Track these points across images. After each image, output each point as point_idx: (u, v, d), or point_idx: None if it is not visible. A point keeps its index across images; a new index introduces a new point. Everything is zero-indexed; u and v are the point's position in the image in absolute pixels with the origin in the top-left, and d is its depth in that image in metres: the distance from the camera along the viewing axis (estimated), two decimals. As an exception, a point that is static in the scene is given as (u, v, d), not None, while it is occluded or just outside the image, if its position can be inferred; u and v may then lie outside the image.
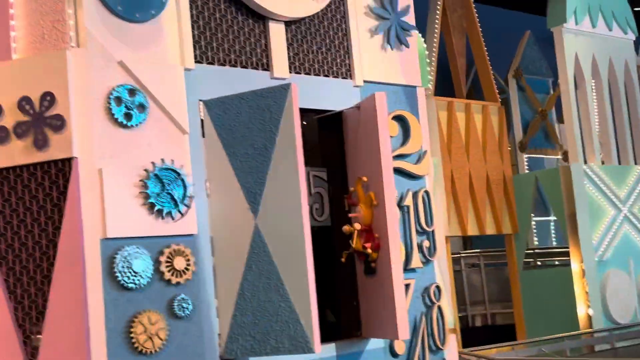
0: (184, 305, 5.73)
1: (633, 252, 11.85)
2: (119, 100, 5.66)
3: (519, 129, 14.27)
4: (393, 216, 6.64)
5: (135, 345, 5.50)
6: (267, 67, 6.54)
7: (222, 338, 5.93)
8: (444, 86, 12.79)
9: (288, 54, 6.66)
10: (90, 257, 5.47)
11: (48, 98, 5.54)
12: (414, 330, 7.07)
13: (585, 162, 11.85)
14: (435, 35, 12.04)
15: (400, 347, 6.96)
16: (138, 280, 5.58)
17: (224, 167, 5.92)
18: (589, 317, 11.29)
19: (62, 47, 5.59)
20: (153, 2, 5.92)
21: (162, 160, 5.77)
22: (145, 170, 5.70)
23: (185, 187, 5.83)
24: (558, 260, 13.26)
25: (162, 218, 5.74)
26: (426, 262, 7.29)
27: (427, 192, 7.30)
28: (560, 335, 10.47)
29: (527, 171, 13.76)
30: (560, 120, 13.42)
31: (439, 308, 7.25)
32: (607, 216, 11.67)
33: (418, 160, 7.36)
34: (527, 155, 14.33)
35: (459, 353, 7.69)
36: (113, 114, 5.63)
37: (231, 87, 6.21)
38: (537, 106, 14.05)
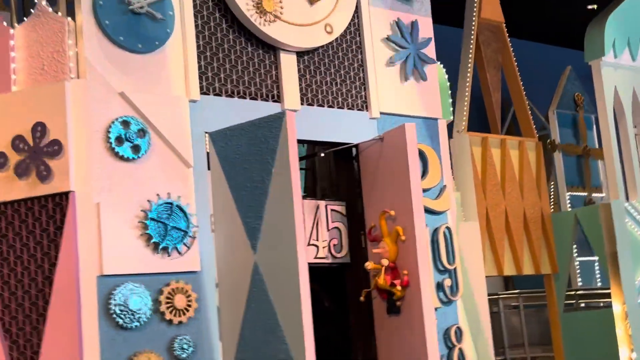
0: (185, 345, 5.49)
1: (678, 294, 11.31)
2: (118, 132, 5.48)
3: (561, 166, 13.83)
4: (424, 252, 6.38)
5: (133, 387, 5.27)
6: (277, 98, 6.33)
7: (225, 380, 5.66)
8: (479, 122, 12.46)
9: (300, 85, 6.45)
10: (86, 294, 5.28)
11: (45, 131, 5.40)
12: (433, 374, 6.70)
13: (627, 199, 11.39)
14: (469, 69, 11.74)
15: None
16: (135, 319, 5.35)
17: (227, 201, 5.71)
18: (633, 362, 10.77)
19: (62, 79, 5.45)
20: (157, 33, 5.77)
21: (165, 194, 5.57)
22: (146, 204, 5.50)
23: (187, 222, 5.61)
24: (602, 301, 12.74)
25: (163, 254, 5.53)
26: (447, 302, 6.93)
27: (448, 229, 6.99)
28: (603, 380, 9.98)
29: (569, 209, 13.30)
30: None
31: (461, 351, 6.88)
32: (650, 255, 11.18)
33: (438, 195, 7.06)
34: (569, 193, 13.87)
35: None
36: (112, 147, 5.47)
37: (240, 119, 6.01)
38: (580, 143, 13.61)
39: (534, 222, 11.77)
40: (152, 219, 5.50)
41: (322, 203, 6.68)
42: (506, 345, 13.04)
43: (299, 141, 6.53)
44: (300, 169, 7.78)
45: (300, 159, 7.36)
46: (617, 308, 10.94)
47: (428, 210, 6.96)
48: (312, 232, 6.57)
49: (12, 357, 5.35)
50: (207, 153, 5.90)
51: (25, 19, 5.65)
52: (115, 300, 5.29)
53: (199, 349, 5.53)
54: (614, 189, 11.21)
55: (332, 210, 6.76)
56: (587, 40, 11.56)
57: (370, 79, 6.84)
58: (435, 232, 6.97)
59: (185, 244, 5.57)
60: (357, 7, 6.89)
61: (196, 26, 6.01)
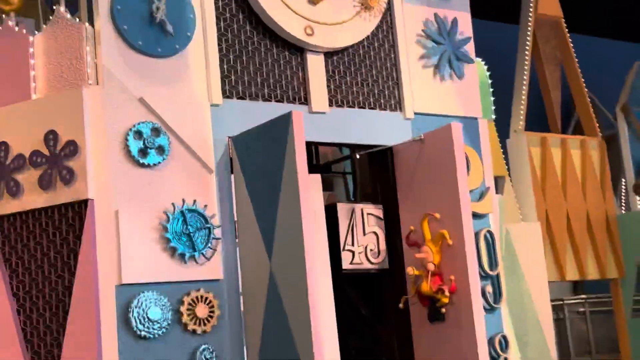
0: (207, 356, 5.35)
1: None
2: (137, 138, 5.40)
3: (630, 168, 13.27)
4: (473, 256, 6.13)
5: (155, 398, 5.16)
6: (305, 100, 6.15)
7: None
8: (538, 121, 12.07)
9: (329, 86, 6.26)
10: (105, 304, 5.19)
11: (64, 138, 5.34)
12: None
13: (697, 200, 10.86)
14: (526, 67, 11.37)
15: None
16: (156, 329, 5.23)
17: (247, 207, 5.55)
18: (703, 369, 10.23)
19: (80, 85, 5.37)
20: (177, 36, 5.66)
21: (184, 201, 5.45)
22: (166, 211, 5.39)
23: (209, 229, 5.47)
24: (674, 306, 12.16)
25: (184, 262, 5.40)
26: (490, 309, 6.62)
27: (490, 232, 6.69)
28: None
29: (640, 209, 12.74)
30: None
31: (506, 361, 6.58)
32: None
33: (480, 198, 6.77)
34: (640, 197, 13.31)
35: None
36: (131, 154, 5.36)
37: (262, 122, 5.83)
38: (649, 143, 13.04)
39: (598, 224, 11.29)
40: (172, 226, 5.38)
41: (357, 207, 6.47)
42: (572, 352, 12.58)
43: (329, 144, 6.37)
44: (342, 172, 7.58)
45: (335, 161, 7.17)
46: (687, 313, 10.44)
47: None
48: (347, 237, 6.36)
49: (33, 368, 5.28)
50: (230, 158, 5.73)
51: (44, 25, 5.58)
52: (134, 309, 5.18)
53: (223, 359, 5.37)
54: (683, 190, 10.71)
55: (368, 214, 6.54)
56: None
57: (404, 78, 6.61)
58: (476, 236, 6.67)
59: (206, 252, 5.43)
60: (389, 4, 6.65)
61: (218, 29, 5.88)
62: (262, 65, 6.05)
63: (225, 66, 5.88)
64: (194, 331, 5.34)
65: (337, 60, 6.36)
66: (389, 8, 6.68)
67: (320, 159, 7.44)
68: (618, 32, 15.48)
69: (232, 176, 5.71)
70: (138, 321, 5.19)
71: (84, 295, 5.18)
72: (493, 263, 6.71)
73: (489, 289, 6.70)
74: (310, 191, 5.18)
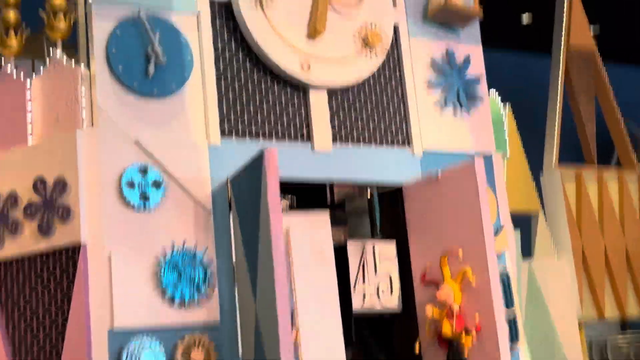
0: (203, 403, 5.20)
1: None
2: (131, 181, 5.33)
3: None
4: (499, 296, 5.95)
5: None
6: (307, 138, 6.04)
7: None
8: (574, 155, 11.77)
9: (333, 123, 6.14)
10: (97, 350, 5.08)
11: (57, 182, 5.30)
12: None
13: None
14: (558, 100, 11.13)
15: None
16: (148, 376, 5.11)
17: (240, 248, 5.42)
18: None
19: (75, 128, 5.33)
20: (174, 77, 5.61)
21: (181, 243, 5.35)
22: (160, 254, 5.29)
23: (205, 272, 5.36)
24: None
25: (178, 306, 5.28)
26: (505, 351, 6.35)
27: (504, 269, 6.44)
28: None
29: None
30: None
31: (523, 407, 6.30)
32: None
33: (494, 235, 6.52)
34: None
35: None
36: (124, 196, 5.29)
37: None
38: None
39: (639, 259, 10.92)
40: (167, 269, 5.29)
41: (368, 244, 6.28)
42: (618, 395, 12.12)
43: (334, 182, 6.23)
44: (356, 211, 7.41)
45: (344, 199, 7.02)
46: None
47: (482, 252, 6.46)
48: (357, 276, 6.18)
49: (28, 417, 5.20)
50: (229, 199, 5.64)
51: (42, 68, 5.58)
52: (126, 356, 5.07)
53: (220, 407, 5.23)
54: None
55: (380, 252, 6.34)
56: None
57: (412, 114, 6.46)
58: (490, 275, 6.44)
59: (202, 295, 5.31)
60: (395, 39, 6.53)
61: (217, 68, 5.81)
62: (263, 104, 5.96)
63: (224, 106, 5.80)
64: (190, 378, 5.20)
65: (340, 97, 6.24)
66: (396, 42, 6.55)
67: (341, 196, 7.27)
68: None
69: (231, 217, 5.59)
70: (130, 368, 5.08)
71: (77, 341, 5.11)
72: (509, 302, 6.45)
73: (504, 329, 6.42)
74: (281, 229, 5.01)
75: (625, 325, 14.40)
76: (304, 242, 5.91)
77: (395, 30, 6.56)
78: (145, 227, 5.33)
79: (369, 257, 6.29)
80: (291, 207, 6.16)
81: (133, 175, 5.36)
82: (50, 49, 5.63)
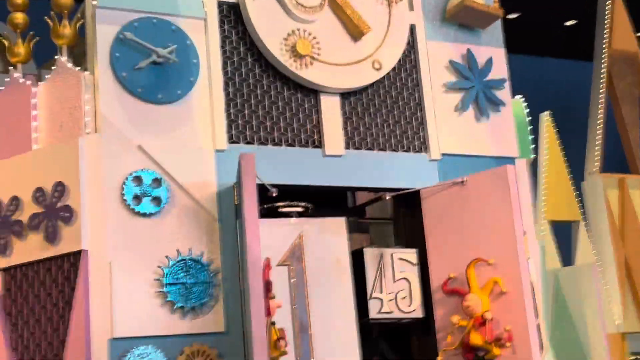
0: (206, 414, 5.08)
1: None
2: (134, 187, 5.25)
3: None
4: (531, 305, 5.80)
5: None
6: (319, 144, 5.90)
7: None
8: (617, 162, 11.41)
9: (345, 128, 5.98)
10: (97, 359, 4.97)
11: (59, 189, 5.25)
12: None
13: None
14: (601, 105, 10.80)
15: None
16: (149, 385, 5.01)
17: (243, 254, 5.30)
18: None
19: (78, 135, 5.27)
20: (179, 82, 5.53)
21: (185, 250, 5.25)
22: (164, 261, 5.20)
23: (210, 279, 5.25)
24: None
25: (182, 315, 5.18)
26: (528, 362, 6.10)
27: (528, 279, 6.20)
28: None
29: None
30: None
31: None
32: None
33: (517, 244, 6.29)
34: None
35: None
36: (127, 203, 5.21)
37: (273, 168, 5.63)
38: None
39: (684, 269, 10.50)
40: (170, 277, 5.18)
41: (387, 251, 6.11)
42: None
43: (345, 188, 6.08)
44: (382, 219, 7.21)
45: (362, 205, 6.85)
46: None
47: (503, 260, 6.24)
48: (374, 284, 6.00)
49: None
50: (235, 205, 5.52)
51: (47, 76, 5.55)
52: (126, 365, 4.98)
53: (224, 418, 5.10)
54: None
55: (399, 259, 6.16)
56: None
57: (429, 118, 6.28)
58: (512, 285, 6.21)
59: (206, 303, 5.19)
60: (413, 42, 6.37)
61: (225, 73, 5.72)
62: (272, 109, 5.84)
63: (232, 111, 5.70)
64: (191, 388, 5.09)
65: (354, 101, 6.09)
66: (413, 45, 6.38)
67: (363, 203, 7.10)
68: None
69: (237, 223, 5.47)
70: (130, 377, 4.98)
71: (77, 350, 5.03)
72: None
73: (527, 341, 6.17)
74: (256, 235, 4.87)
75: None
76: (318, 249, 5.77)
77: (412, 32, 6.39)
78: (148, 233, 5.25)
79: (386, 264, 6.09)
80: (307, 214, 5.99)
81: (136, 181, 5.28)
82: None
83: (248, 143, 5.70)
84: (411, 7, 6.42)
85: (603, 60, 10.96)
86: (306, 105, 5.96)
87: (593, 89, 10.96)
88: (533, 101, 11.05)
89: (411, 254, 6.20)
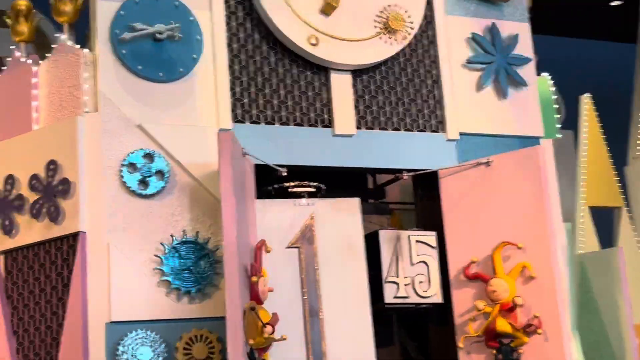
0: (205, 400, 4.92)
1: None
2: (133, 167, 5.12)
3: None
4: (563, 292, 5.65)
5: None
6: (329, 123, 5.69)
7: None
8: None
9: (357, 106, 5.77)
10: (94, 343, 4.88)
11: (56, 169, 5.14)
12: None
13: None
14: (647, 84, 10.40)
15: None
16: (146, 370, 4.87)
17: (245, 236, 5.13)
18: None
19: (77, 114, 5.15)
20: (182, 60, 5.37)
21: (184, 232, 5.09)
22: (163, 243, 5.04)
23: (211, 262, 5.08)
24: None
25: (181, 299, 5.03)
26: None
27: (550, 264, 5.91)
28: None
29: None
30: None
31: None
32: None
33: (539, 226, 6.02)
34: None
35: None
36: (126, 183, 5.07)
37: (279, 148, 5.45)
38: None
39: None
40: (170, 259, 5.03)
41: (403, 234, 5.86)
42: None
43: (357, 169, 5.86)
44: (404, 203, 6.97)
45: (380, 186, 6.62)
46: None
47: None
48: (390, 267, 5.77)
49: (28, 410, 5.04)
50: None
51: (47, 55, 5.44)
52: (122, 349, 4.84)
53: (224, 405, 4.94)
54: None
55: (417, 241, 5.91)
56: None
57: (446, 96, 6.02)
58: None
59: (207, 286, 5.03)
60: (431, 16, 6.11)
61: (230, 50, 5.54)
62: (280, 87, 5.64)
63: (237, 89, 5.52)
64: (190, 373, 4.93)
65: (367, 79, 5.86)
66: (430, 22, 6.12)
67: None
68: None
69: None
70: (127, 362, 4.84)
71: (74, 334, 4.92)
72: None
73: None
74: (231, 216, 4.71)
75: None
76: (330, 230, 5.56)
77: (430, 5, 6.13)
78: (148, 215, 5.11)
79: (403, 247, 5.84)
80: (319, 195, 5.77)
81: (135, 161, 5.15)
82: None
83: (254, 122, 5.52)
84: (429, -19, 6.17)
85: (647, 42, 10.55)
86: (316, 84, 5.75)
87: (636, 71, 10.56)
88: (575, 83, 10.69)
89: (430, 237, 5.94)
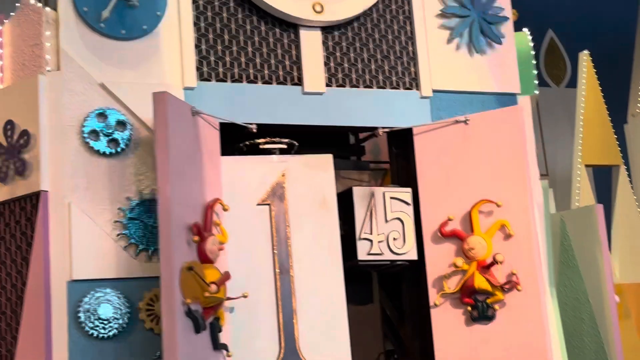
0: (169, 358, 4.90)
1: None
2: (94, 126, 5.09)
3: None
4: (539, 249, 5.68)
5: (109, 406, 4.81)
6: (298, 81, 5.61)
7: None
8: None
9: (328, 64, 5.68)
10: (56, 302, 4.89)
11: (16, 128, 5.11)
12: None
13: None
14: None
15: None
16: (108, 328, 4.87)
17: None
18: None
19: (40, 73, 5.11)
20: (145, 17, 5.30)
21: (146, 191, 5.06)
22: (125, 202, 5.03)
23: (174, 221, 5.05)
24: None
25: (144, 257, 5.02)
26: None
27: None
28: None
29: None
30: None
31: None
32: None
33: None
34: None
35: None
36: (87, 142, 5.05)
37: (247, 106, 5.41)
38: None
39: None
40: (132, 219, 5.02)
41: (378, 190, 5.80)
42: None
43: (327, 127, 5.79)
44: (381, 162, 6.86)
45: (357, 143, 6.55)
46: None
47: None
48: (363, 224, 5.72)
49: (-8, 371, 5.08)
50: (204, 145, 5.30)
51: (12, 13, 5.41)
52: (83, 307, 4.85)
53: (187, 362, 4.93)
54: None
55: (392, 198, 5.85)
56: None
57: (420, 52, 5.92)
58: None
59: (169, 246, 5.00)
60: (403, -32, 6.00)
61: (196, 6, 5.47)
62: (248, 45, 5.57)
63: (203, 47, 5.46)
64: (152, 331, 4.93)
65: (338, 36, 5.77)
66: (405, -26, 6.01)
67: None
68: None
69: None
70: (87, 320, 4.86)
71: (37, 292, 4.93)
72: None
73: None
74: (166, 178, 4.71)
75: None
76: (302, 187, 5.52)
77: (403, -42, 6.01)
78: (110, 174, 5.09)
79: (378, 203, 5.79)
80: (293, 152, 5.72)
81: (97, 119, 5.11)
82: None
83: (220, 80, 5.46)
84: None
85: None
86: (285, 41, 5.67)
87: (638, 26, 10.37)
88: (573, 38, 10.51)
89: (405, 194, 5.87)
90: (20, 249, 5.10)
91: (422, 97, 5.92)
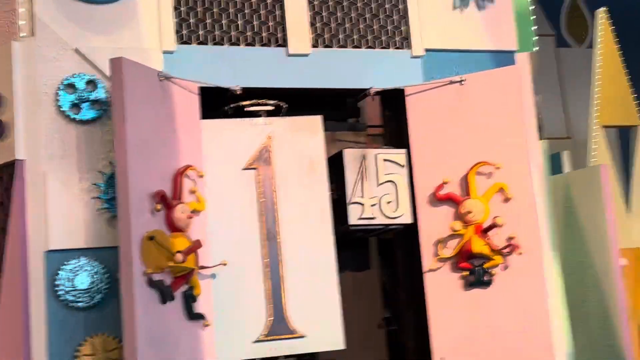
0: (148, 328, 4.82)
1: None
2: (69, 92, 4.97)
3: None
4: (539, 211, 5.52)
5: (84, 376, 4.73)
6: (283, 42, 5.44)
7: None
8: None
9: (314, 24, 5.50)
10: (34, 272, 4.82)
11: (-12, 95, 5.00)
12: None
13: None
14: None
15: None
16: (85, 298, 4.80)
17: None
18: None
19: (13, 40, 5.01)
20: (122, -20, 5.14)
21: (123, 158, 4.94)
22: (102, 170, 4.92)
23: (152, 189, 4.94)
24: None
25: (120, 226, 4.90)
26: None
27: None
28: None
29: None
30: None
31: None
32: None
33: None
34: None
35: None
36: (62, 109, 4.94)
37: (229, 69, 5.26)
38: None
39: None
40: (109, 187, 4.90)
41: (370, 152, 5.62)
42: None
43: (313, 89, 5.62)
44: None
45: (350, 104, 6.39)
46: None
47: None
48: (355, 188, 5.56)
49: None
50: (186, 110, 5.17)
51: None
52: (60, 277, 4.78)
53: (168, 332, 4.84)
54: None
55: (384, 160, 5.67)
56: None
57: (411, 10, 5.71)
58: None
59: (150, 210, 4.91)
60: None
61: (176, -34, 5.30)
62: (229, 5, 5.40)
63: (182, 8, 5.31)
64: (132, 301, 4.82)
65: (325, -6, 5.58)
66: None
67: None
68: None
69: (186, 129, 5.14)
70: (65, 290, 4.78)
71: (15, 262, 4.86)
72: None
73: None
74: (124, 144, 4.59)
75: None
76: (290, 151, 5.37)
77: None
78: (87, 142, 4.99)
79: (369, 166, 5.61)
80: (281, 114, 5.55)
81: (72, 86, 4.99)
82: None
83: (201, 43, 5.31)
84: None
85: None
86: (268, 1, 5.48)
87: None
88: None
89: (399, 155, 5.69)
90: (1, 219, 5.03)
91: (414, 57, 5.71)
